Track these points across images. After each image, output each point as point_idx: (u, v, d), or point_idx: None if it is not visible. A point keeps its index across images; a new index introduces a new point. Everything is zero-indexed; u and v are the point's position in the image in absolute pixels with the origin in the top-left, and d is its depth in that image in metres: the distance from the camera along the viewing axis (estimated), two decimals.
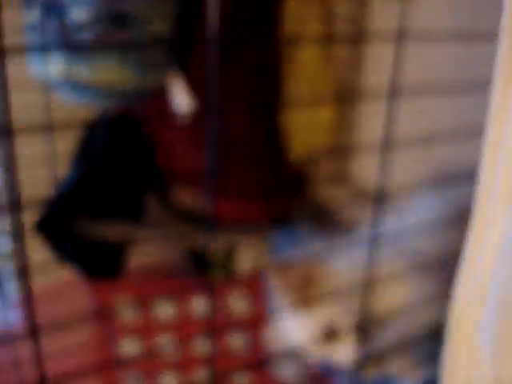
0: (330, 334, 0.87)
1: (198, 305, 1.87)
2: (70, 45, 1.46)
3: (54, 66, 1.46)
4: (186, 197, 2.13)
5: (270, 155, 1.92)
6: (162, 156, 1.89)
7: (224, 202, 0.66)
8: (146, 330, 0.96)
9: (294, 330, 0.90)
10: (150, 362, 0.87)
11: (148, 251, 2.00)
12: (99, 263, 1.51)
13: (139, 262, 1.92)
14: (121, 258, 2.01)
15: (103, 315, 1.67)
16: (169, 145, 1.89)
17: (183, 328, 1.07)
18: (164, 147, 1.89)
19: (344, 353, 0.89)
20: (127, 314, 2.06)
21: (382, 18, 1.75)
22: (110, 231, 1.79)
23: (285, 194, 2.03)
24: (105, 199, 1.91)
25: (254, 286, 1.81)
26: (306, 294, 0.90)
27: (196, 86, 1.77)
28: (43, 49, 1.47)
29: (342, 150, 1.95)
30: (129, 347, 2.50)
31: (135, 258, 1.96)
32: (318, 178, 1.99)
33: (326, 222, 1.93)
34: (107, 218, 1.81)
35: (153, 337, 0.96)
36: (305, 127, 1.90)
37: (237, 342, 2.11)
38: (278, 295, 0.93)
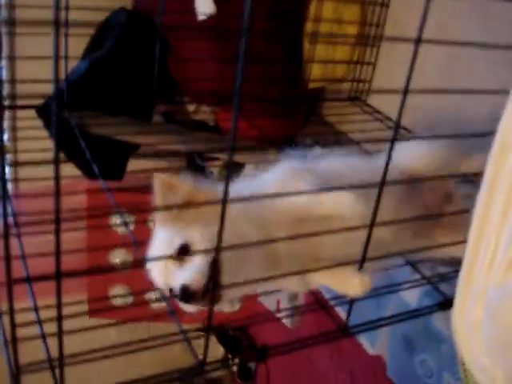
0: (182, 255, 0.84)
1: None
2: None
3: None
4: (195, 109, 2.08)
5: (287, 75, 1.85)
6: (175, 62, 1.83)
7: (239, 117, 0.63)
8: (138, 242, 0.94)
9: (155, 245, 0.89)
10: (138, 275, 0.86)
11: (147, 161, 1.98)
12: (100, 163, 1.48)
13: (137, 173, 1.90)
14: (122, 162, 1.98)
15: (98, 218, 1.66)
16: (184, 52, 1.82)
17: None
18: (178, 53, 1.82)
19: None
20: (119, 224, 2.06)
21: None
22: (113, 129, 1.75)
23: (299, 114, 1.98)
24: (110, 95, 1.86)
25: None
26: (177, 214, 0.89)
27: None
28: None
29: (355, 80, 1.88)
30: (119, 258, 2.53)
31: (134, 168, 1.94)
32: (332, 101, 1.93)
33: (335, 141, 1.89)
34: (111, 116, 1.76)
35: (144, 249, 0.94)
36: (324, 51, 1.82)
37: None
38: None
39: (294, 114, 1.95)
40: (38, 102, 1.68)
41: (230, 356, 3.06)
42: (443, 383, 1.36)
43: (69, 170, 1.77)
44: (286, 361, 2.72)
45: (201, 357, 0.84)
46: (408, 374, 1.47)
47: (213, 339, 3.16)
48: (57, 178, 0.53)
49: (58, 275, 0.58)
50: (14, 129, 1.86)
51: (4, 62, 2.10)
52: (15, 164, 1.92)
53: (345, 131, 1.88)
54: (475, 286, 0.66)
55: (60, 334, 0.63)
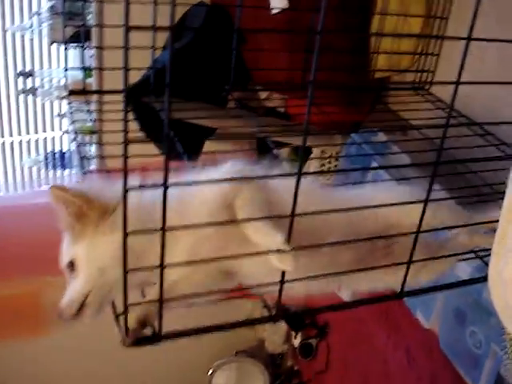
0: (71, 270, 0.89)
1: None
2: None
3: None
4: (266, 96, 2.23)
5: (355, 65, 1.97)
6: (249, 52, 1.97)
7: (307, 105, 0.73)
8: None
9: None
10: None
11: (221, 146, 2.12)
12: (177, 143, 1.63)
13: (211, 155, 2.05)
14: (197, 146, 2.15)
15: None
16: (258, 42, 1.96)
17: None
18: (252, 44, 1.96)
19: None
20: None
21: None
22: (192, 114, 1.91)
23: (365, 102, 2.09)
24: (190, 83, 2.02)
25: None
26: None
27: None
28: None
29: (419, 70, 1.97)
30: None
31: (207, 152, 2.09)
32: (396, 90, 2.03)
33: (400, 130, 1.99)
34: (191, 102, 1.92)
35: None
36: (390, 43, 1.93)
37: None
38: None
39: (360, 102, 2.06)
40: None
41: (293, 332, 3.21)
42: (490, 353, 1.46)
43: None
44: (346, 339, 2.85)
45: None
46: (458, 344, 1.58)
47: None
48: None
49: None
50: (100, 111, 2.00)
51: (94, 51, 2.31)
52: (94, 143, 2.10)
53: (408, 119, 1.98)
54: (507, 245, 0.78)
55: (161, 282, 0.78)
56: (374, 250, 1.07)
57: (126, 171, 0.70)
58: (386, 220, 1.06)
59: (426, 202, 0.95)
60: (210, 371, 3.38)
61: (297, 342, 3.17)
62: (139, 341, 0.79)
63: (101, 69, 1.97)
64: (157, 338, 0.80)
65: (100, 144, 1.65)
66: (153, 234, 0.72)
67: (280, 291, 0.89)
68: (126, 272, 0.74)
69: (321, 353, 3.06)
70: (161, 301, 0.78)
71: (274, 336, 3.42)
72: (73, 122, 1.45)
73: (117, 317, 0.86)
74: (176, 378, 3.52)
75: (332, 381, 2.98)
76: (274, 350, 3.49)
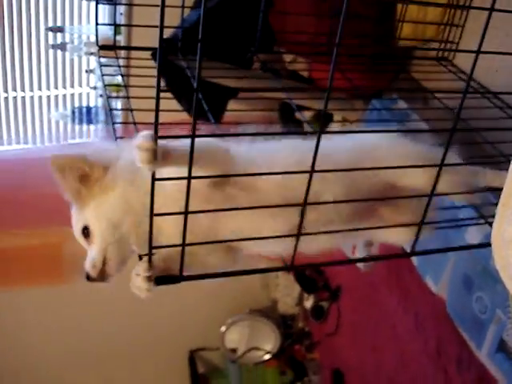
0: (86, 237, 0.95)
1: None
2: None
3: None
4: (291, 60, 2.26)
5: (380, 33, 2.00)
6: (276, 16, 1.99)
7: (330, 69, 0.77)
8: None
9: None
10: None
11: (244, 107, 2.16)
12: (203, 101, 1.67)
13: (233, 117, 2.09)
14: (221, 106, 2.19)
15: None
16: (285, 5, 1.98)
17: None
18: (279, 7, 1.98)
19: None
20: None
21: None
22: (217, 73, 1.95)
23: (388, 70, 2.12)
24: (216, 43, 2.05)
25: None
26: None
27: None
28: None
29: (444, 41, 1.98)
30: None
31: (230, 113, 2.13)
32: (420, 60, 2.05)
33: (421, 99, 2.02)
34: (216, 62, 1.95)
35: None
36: (416, 12, 1.94)
37: None
38: None
39: (383, 70, 2.09)
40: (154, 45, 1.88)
41: (305, 294, 3.28)
42: (494, 318, 1.52)
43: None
44: (357, 303, 2.91)
45: None
46: (465, 309, 1.64)
47: (291, 279, 3.39)
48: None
49: None
50: (128, 67, 2.01)
51: (123, 9, 2.35)
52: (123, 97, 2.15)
53: (429, 88, 2.00)
54: (510, 211, 0.82)
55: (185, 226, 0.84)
56: (373, 204, 1.11)
57: (157, 123, 0.75)
58: (384, 173, 1.08)
59: (441, 165, 0.99)
60: (224, 328, 3.48)
61: (309, 304, 3.25)
62: (162, 279, 0.85)
63: (131, 26, 2.01)
64: (178, 278, 0.86)
65: (128, 98, 1.69)
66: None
67: (295, 245, 0.95)
68: (152, 216, 0.80)
69: (332, 315, 3.13)
70: (183, 245, 0.84)
71: (287, 298, 3.50)
72: (103, 76, 1.49)
73: (140, 258, 0.93)
74: (190, 333, 3.63)
75: (341, 343, 3.06)
76: (286, 311, 3.57)
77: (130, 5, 2.19)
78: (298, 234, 0.92)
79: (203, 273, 0.91)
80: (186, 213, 0.80)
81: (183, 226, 0.82)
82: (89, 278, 0.94)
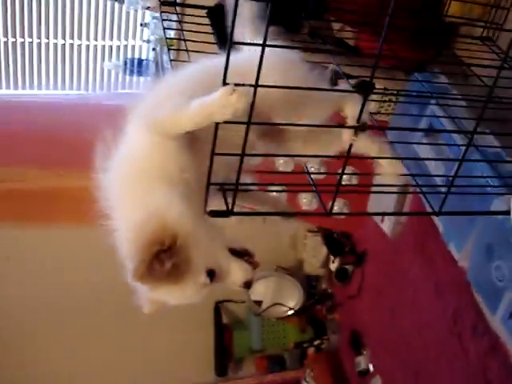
0: None
1: None
2: None
3: None
4: (340, 28, 2.33)
5: (427, 8, 2.06)
6: None
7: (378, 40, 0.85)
8: None
9: None
10: None
11: None
12: None
13: None
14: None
15: None
16: None
17: None
18: None
19: None
20: None
21: None
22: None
23: (432, 45, 2.18)
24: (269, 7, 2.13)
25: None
26: None
27: None
28: None
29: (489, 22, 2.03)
30: None
31: None
32: (464, 38, 2.10)
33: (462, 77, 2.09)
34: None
35: None
36: None
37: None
38: None
39: (428, 44, 2.16)
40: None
41: (331, 257, 3.40)
42: (510, 286, 1.62)
43: None
44: (381, 268, 3.02)
45: None
46: (484, 276, 1.74)
47: (319, 240, 3.50)
48: None
49: None
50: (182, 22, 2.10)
51: None
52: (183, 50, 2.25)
53: (471, 66, 2.07)
54: None
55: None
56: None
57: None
58: None
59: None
60: None
61: (334, 266, 3.36)
62: (215, 213, 0.98)
63: None
64: (229, 212, 0.98)
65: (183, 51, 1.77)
66: None
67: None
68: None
69: (355, 279, 3.24)
70: (237, 184, 0.96)
71: (313, 259, 3.61)
72: (164, 29, 1.60)
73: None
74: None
75: (362, 305, 3.18)
76: (312, 271, 3.69)
77: None
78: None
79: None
80: (242, 155, 0.92)
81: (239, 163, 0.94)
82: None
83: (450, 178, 1.17)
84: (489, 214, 1.36)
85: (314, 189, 1.15)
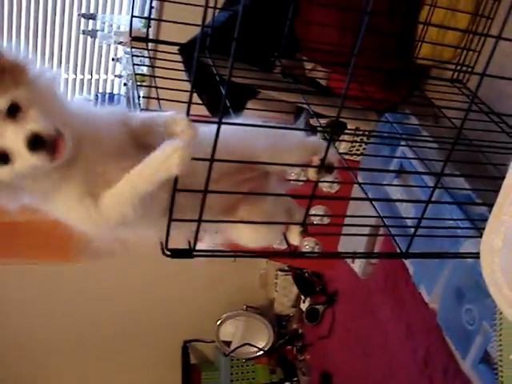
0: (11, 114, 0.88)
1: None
2: None
3: None
4: (311, 68, 2.34)
5: (399, 50, 2.08)
6: (301, 24, 2.08)
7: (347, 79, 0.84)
8: None
9: None
10: None
11: (261, 107, 2.25)
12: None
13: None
14: (240, 105, 2.28)
15: None
16: (310, 16, 2.07)
17: None
18: (305, 16, 2.07)
19: None
20: None
21: None
22: (239, 73, 2.03)
23: (403, 86, 2.20)
24: (241, 45, 2.14)
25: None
26: None
27: None
28: None
29: (459, 64, 2.06)
30: None
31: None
32: (435, 80, 2.13)
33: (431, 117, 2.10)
34: (240, 63, 2.04)
35: None
36: (436, 34, 2.03)
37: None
38: None
39: (399, 86, 2.18)
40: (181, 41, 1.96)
41: (302, 297, 3.37)
42: (481, 330, 1.59)
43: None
44: (352, 309, 2.99)
45: None
46: (454, 320, 1.71)
47: (289, 280, 3.47)
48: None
49: None
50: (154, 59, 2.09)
51: (155, 4, 2.44)
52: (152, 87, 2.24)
53: (441, 108, 2.08)
54: (501, 220, 0.91)
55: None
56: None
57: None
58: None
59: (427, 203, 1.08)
60: (219, 321, 3.56)
61: (305, 306, 3.33)
62: (176, 252, 0.94)
63: (165, 21, 2.11)
64: (191, 252, 0.94)
65: (156, 88, 1.77)
66: None
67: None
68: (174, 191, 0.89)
69: (326, 319, 3.21)
70: (199, 221, 0.93)
71: (284, 298, 3.58)
72: (134, 65, 1.58)
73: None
74: (186, 323, 3.72)
75: (332, 346, 3.14)
76: (282, 311, 3.65)
77: (163, 0, 2.29)
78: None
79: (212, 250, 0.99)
80: (205, 191, 0.90)
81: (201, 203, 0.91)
82: (38, 140, 0.88)
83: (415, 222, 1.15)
84: (458, 257, 1.35)
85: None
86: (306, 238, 1.02)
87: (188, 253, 0.94)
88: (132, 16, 1.66)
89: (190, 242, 0.97)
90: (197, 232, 0.93)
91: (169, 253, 0.93)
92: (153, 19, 2.15)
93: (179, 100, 1.13)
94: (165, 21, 2.05)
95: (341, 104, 0.93)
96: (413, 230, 1.17)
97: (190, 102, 0.86)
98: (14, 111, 0.87)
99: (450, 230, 1.45)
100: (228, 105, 1.63)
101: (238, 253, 1.04)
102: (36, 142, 0.86)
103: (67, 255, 2.73)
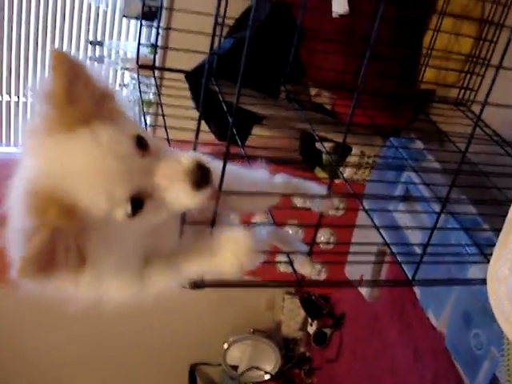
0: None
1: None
2: None
3: None
4: (316, 94, 2.36)
5: (403, 75, 2.10)
6: (306, 50, 2.10)
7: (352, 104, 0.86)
8: None
9: None
10: None
11: (267, 134, 2.27)
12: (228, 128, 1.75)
13: (257, 142, 2.20)
14: (246, 131, 2.30)
15: None
16: (315, 42, 2.10)
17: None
18: (310, 43, 2.10)
19: None
20: None
21: None
22: (245, 99, 2.06)
23: (408, 110, 2.22)
24: (247, 71, 2.16)
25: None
26: None
27: None
28: None
29: (463, 88, 2.07)
30: None
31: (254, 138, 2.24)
32: (439, 103, 2.14)
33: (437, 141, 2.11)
34: (247, 90, 2.06)
35: None
36: (440, 58, 2.05)
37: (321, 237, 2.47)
38: None
39: (403, 110, 2.20)
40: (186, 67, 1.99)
41: (309, 320, 3.36)
42: (489, 355, 1.59)
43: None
44: (359, 332, 2.98)
45: None
46: (462, 344, 1.71)
47: (296, 303, 3.46)
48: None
49: None
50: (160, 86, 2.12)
51: (161, 31, 2.48)
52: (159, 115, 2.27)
53: (446, 132, 2.10)
54: (507, 249, 0.91)
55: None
56: None
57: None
58: None
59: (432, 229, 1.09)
60: (226, 345, 3.55)
61: (312, 329, 3.31)
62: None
63: (171, 49, 2.13)
64: (200, 284, 0.95)
65: (163, 116, 1.80)
66: None
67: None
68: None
69: (333, 343, 3.20)
70: None
71: (291, 321, 3.57)
72: (141, 92, 1.60)
73: None
74: (193, 347, 3.70)
75: (341, 370, 3.12)
76: (289, 334, 3.64)
77: (169, 29, 2.33)
78: None
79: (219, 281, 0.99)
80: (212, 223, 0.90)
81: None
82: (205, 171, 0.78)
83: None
84: (464, 284, 1.35)
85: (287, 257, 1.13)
86: (314, 262, 1.03)
87: (197, 285, 0.94)
88: (139, 44, 1.68)
89: None
90: None
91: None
92: (159, 47, 2.18)
93: (186, 127, 1.14)
94: (171, 48, 2.08)
95: (346, 129, 0.94)
96: (420, 255, 1.17)
97: (198, 130, 0.86)
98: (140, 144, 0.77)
99: (457, 255, 1.45)
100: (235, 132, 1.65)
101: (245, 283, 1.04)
102: (203, 176, 0.77)
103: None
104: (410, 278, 1.18)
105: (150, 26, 2.49)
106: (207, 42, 1.79)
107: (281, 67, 1.98)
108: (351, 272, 2.52)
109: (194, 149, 0.85)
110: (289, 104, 2.14)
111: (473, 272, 1.53)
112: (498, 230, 1.27)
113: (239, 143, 1.43)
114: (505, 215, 1.38)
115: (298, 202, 2.15)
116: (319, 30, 2.09)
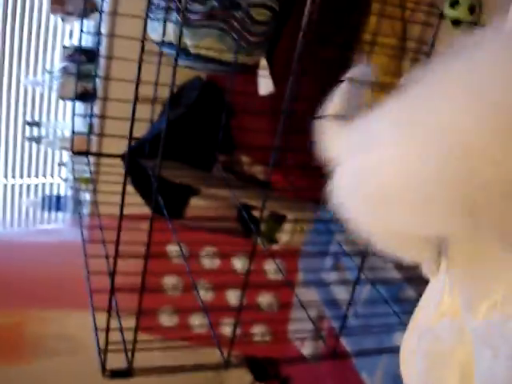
0: None
1: (237, 262, 2.28)
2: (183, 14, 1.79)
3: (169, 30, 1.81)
4: (249, 164, 2.47)
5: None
6: (236, 125, 2.21)
7: (284, 174, 0.91)
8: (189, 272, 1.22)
9: None
10: (184, 299, 1.07)
11: (205, 204, 2.35)
12: (165, 202, 1.81)
13: (196, 212, 2.28)
14: (183, 203, 2.38)
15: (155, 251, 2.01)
16: (244, 119, 2.21)
17: (220, 278, 1.29)
18: (240, 119, 2.21)
19: None
20: (176, 254, 2.42)
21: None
22: (181, 175, 2.14)
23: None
24: (181, 148, 2.25)
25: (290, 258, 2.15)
26: None
27: (278, 74, 2.08)
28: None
29: None
30: (170, 282, 2.87)
31: (193, 209, 2.32)
32: None
33: None
34: (181, 164, 2.15)
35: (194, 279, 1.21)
36: None
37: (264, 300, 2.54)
38: None
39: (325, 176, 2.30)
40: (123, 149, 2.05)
41: (256, 383, 3.34)
42: None
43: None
44: None
45: None
46: None
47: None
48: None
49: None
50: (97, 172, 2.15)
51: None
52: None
53: None
54: (418, 324, 0.98)
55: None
56: None
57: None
58: None
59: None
60: None
61: None
62: (115, 373, 0.98)
63: (104, 135, 2.20)
64: (130, 372, 0.99)
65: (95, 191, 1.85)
66: None
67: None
68: None
69: None
70: (134, 340, 0.99)
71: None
72: (75, 178, 1.66)
73: (99, 352, 1.05)
74: None
75: None
76: None
77: (102, 117, 2.39)
78: None
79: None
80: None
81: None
82: None
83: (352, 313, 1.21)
84: (387, 352, 1.42)
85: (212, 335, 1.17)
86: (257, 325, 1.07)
87: (126, 373, 0.97)
88: (73, 133, 1.75)
89: (127, 358, 1.01)
90: (133, 351, 0.99)
91: (108, 373, 0.97)
92: (94, 134, 2.24)
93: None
94: (104, 135, 2.14)
95: (264, 197, 1.02)
96: (352, 322, 1.22)
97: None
98: None
99: (385, 320, 1.51)
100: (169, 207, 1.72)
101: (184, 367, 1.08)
102: None
103: (20, 357, 2.70)
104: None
105: (86, 107, 2.55)
106: (145, 125, 1.87)
107: (213, 142, 2.08)
108: (295, 333, 2.57)
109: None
110: (223, 175, 2.22)
111: (398, 338, 1.60)
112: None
113: (167, 216, 1.48)
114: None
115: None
116: (248, 107, 2.21)
